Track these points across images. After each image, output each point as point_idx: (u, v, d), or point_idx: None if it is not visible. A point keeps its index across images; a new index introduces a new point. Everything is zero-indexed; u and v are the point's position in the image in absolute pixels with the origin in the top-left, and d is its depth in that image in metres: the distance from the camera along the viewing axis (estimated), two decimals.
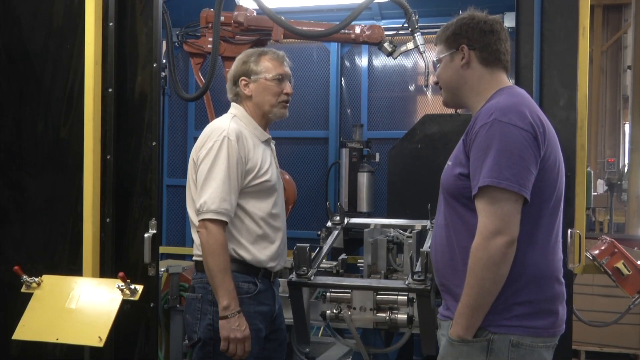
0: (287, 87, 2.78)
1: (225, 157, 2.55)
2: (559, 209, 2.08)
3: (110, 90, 3.04)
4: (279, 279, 3.52)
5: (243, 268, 2.63)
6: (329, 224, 3.57)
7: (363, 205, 4.77)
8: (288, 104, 2.80)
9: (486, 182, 1.92)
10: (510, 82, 2.22)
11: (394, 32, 4.22)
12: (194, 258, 2.71)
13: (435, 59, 2.26)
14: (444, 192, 2.14)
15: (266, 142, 2.78)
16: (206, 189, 2.54)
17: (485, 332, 1.99)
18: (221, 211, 2.52)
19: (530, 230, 1.99)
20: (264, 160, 2.69)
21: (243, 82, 2.74)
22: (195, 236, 2.67)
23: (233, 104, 2.80)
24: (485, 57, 2.15)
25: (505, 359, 1.97)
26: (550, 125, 2.11)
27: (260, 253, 2.65)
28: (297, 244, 2.87)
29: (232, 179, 2.56)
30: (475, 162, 1.97)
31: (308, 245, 2.89)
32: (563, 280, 2.09)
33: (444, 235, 2.12)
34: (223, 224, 2.54)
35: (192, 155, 2.68)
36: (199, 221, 2.55)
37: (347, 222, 3.57)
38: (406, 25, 3.94)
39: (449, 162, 2.14)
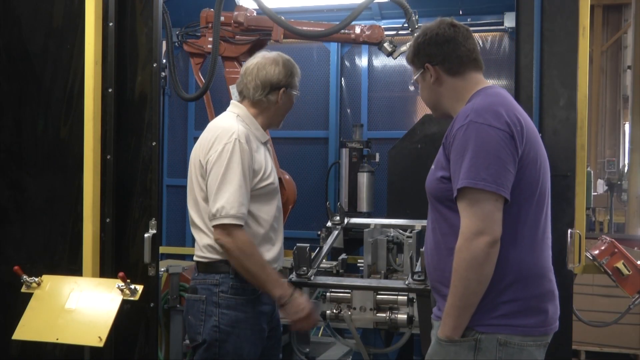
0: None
1: (238, 160, 2.52)
2: (544, 206, 2.07)
3: (110, 90, 3.04)
4: None
5: None
6: (329, 224, 3.57)
7: (363, 205, 4.77)
8: None
9: (464, 184, 1.94)
10: (488, 81, 2.23)
11: (394, 32, 4.22)
12: (195, 258, 2.70)
13: (412, 81, 2.30)
14: (428, 196, 2.16)
15: (265, 144, 2.76)
16: (222, 193, 2.50)
17: (472, 332, 1.99)
18: (240, 216, 2.50)
19: (514, 228, 1.99)
20: (267, 162, 2.67)
21: (282, 93, 2.69)
22: (197, 236, 2.65)
23: (234, 103, 2.75)
24: (449, 67, 2.16)
25: (493, 358, 1.97)
26: (531, 123, 2.11)
27: (264, 255, 2.64)
28: (297, 244, 2.87)
29: (246, 182, 2.54)
30: (454, 164, 1.99)
31: (308, 245, 2.89)
32: (552, 278, 2.09)
33: (432, 238, 2.14)
34: (242, 227, 2.53)
35: (199, 156, 2.61)
36: (217, 226, 2.50)
37: (347, 222, 3.57)
38: (406, 25, 3.94)
39: (432, 167, 2.16)
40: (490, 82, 5.10)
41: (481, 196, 1.92)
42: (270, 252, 2.66)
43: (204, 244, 2.62)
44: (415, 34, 3.91)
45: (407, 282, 2.79)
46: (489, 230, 1.91)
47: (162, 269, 3.81)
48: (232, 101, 2.77)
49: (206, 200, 2.59)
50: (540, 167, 2.06)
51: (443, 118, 2.28)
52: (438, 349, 2.06)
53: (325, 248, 3.24)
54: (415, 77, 2.25)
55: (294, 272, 2.87)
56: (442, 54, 2.16)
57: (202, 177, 2.60)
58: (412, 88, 5.36)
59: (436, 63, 2.16)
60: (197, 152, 2.64)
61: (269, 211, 2.66)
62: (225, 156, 2.52)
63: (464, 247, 1.93)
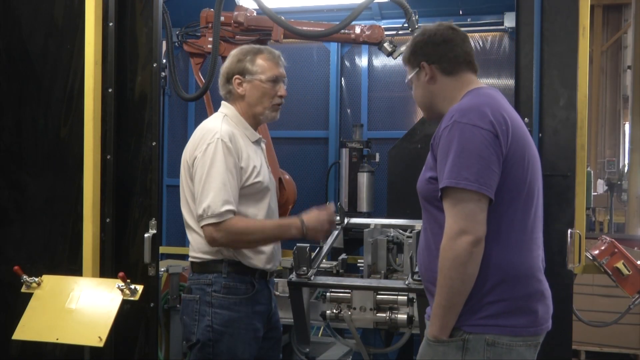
0: (282, 89, 2.73)
1: (221, 158, 2.53)
2: (532, 206, 2.07)
3: (110, 90, 3.04)
4: (279, 279, 3.52)
5: (240, 269, 2.62)
6: None
7: (363, 205, 4.77)
8: (280, 107, 2.76)
9: (446, 184, 1.96)
10: (481, 82, 2.25)
11: (394, 32, 4.22)
12: (189, 259, 2.70)
13: (406, 82, 2.31)
14: (419, 197, 2.17)
15: (256, 143, 2.75)
16: (207, 193, 2.51)
17: (460, 332, 2.00)
18: (224, 213, 2.50)
19: (500, 228, 1.99)
20: (255, 161, 2.66)
21: (237, 81, 2.69)
22: (190, 237, 2.66)
23: (224, 103, 2.77)
24: (444, 67, 2.18)
25: (481, 358, 1.98)
26: (521, 123, 2.12)
27: (256, 256, 2.64)
28: (297, 244, 2.86)
29: (232, 179, 2.54)
30: (440, 164, 2.01)
31: (308, 245, 2.88)
32: (541, 278, 2.09)
33: (424, 238, 2.16)
34: (230, 219, 2.52)
35: (186, 157, 2.64)
36: (205, 226, 2.51)
37: (347, 222, 3.57)
38: (406, 25, 3.94)
39: (423, 168, 2.17)
40: (490, 82, 5.12)
41: (464, 196, 1.93)
42: (263, 252, 2.67)
43: (197, 244, 2.63)
44: (415, 34, 3.95)
45: (407, 282, 2.79)
46: (472, 229, 1.92)
47: (162, 269, 3.80)
48: (222, 102, 2.79)
49: (194, 200, 2.61)
50: (528, 166, 2.05)
51: (434, 119, 2.29)
52: (427, 349, 2.07)
53: (325, 248, 3.23)
54: (410, 77, 2.27)
55: (294, 272, 2.87)
56: (438, 54, 2.18)
57: (190, 178, 2.62)
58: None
59: (432, 62, 2.19)
60: (185, 154, 2.66)
61: (260, 211, 2.66)
62: (208, 156, 2.54)
63: (448, 247, 1.94)
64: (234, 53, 2.76)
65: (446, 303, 1.97)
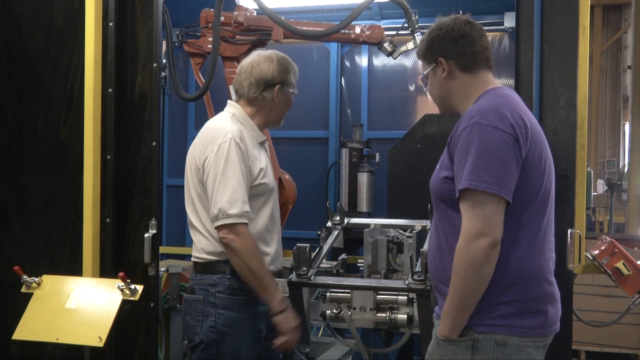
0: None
1: (235, 158, 2.52)
2: (546, 208, 2.08)
3: (110, 90, 3.05)
4: (279, 279, 3.52)
5: None
6: (329, 224, 3.57)
7: (363, 205, 4.77)
8: None
9: (465, 185, 1.95)
10: (497, 81, 2.24)
11: (394, 32, 4.22)
12: (192, 259, 2.70)
13: (422, 76, 2.29)
14: (432, 195, 2.17)
15: (261, 144, 2.75)
16: (222, 193, 2.49)
17: (470, 332, 2.00)
18: (242, 214, 2.50)
19: (515, 230, 2.00)
20: (262, 162, 2.66)
21: (277, 90, 2.68)
22: (194, 237, 2.65)
23: (231, 102, 2.75)
24: (462, 63, 2.16)
25: (491, 358, 1.98)
26: (537, 125, 2.12)
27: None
28: (297, 244, 2.86)
29: (245, 180, 2.54)
30: (458, 165, 2.00)
31: (308, 245, 2.88)
32: (553, 280, 2.10)
33: (435, 237, 2.15)
34: (246, 225, 2.53)
35: (195, 157, 2.61)
36: (221, 227, 2.50)
37: (347, 222, 3.57)
38: (406, 25, 3.94)
39: (437, 166, 2.17)
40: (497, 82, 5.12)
41: (483, 198, 1.93)
42: (267, 253, 2.66)
43: (201, 245, 2.62)
44: (415, 34, 3.95)
45: (407, 282, 2.78)
46: (490, 232, 1.92)
47: (162, 269, 3.80)
48: (229, 101, 2.77)
49: (202, 201, 2.60)
50: (545, 168, 2.06)
51: (448, 114, 2.29)
52: (436, 348, 2.07)
53: (325, 248, 3.23)
54: (425, 72, 2.24)
55: (294, 272, 2.87)
56: (456, 49, 2.15)
57: (198, 178, 2.60)
58: (412, 88, 5.36)
59: (450, 58, 2.16)
60: (193, 154, 2.64)
61: (265, 212, 2.66)
62: (222, 156, 2.52)
63: (464, 248, 1.94)
64: (277, 59, 2.71)
65: (459, 303, 1.98)
